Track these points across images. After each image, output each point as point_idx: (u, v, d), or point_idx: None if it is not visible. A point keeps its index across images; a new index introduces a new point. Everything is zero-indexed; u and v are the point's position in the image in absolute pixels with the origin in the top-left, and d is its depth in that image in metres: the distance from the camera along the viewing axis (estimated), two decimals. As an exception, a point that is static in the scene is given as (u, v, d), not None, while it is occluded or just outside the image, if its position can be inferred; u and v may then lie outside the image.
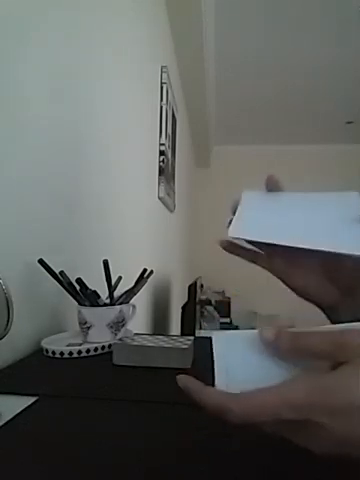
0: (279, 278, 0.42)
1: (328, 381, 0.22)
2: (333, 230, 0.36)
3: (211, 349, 0.27)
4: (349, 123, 3.87)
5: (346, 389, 0.21)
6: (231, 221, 0.40)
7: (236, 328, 3.47)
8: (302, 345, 0.24)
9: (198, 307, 2.68)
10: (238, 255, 0.43)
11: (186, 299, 2.40)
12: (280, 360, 0.25)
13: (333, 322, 0.41)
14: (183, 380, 0.25)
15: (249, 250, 0.43)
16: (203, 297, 3.70)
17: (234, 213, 0.40)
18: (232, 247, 0.43)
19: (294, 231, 0.36)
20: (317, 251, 0.36)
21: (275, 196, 0.41)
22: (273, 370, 0.25)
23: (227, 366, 0.25)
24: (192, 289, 2.36)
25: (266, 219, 0.38)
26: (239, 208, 0.40)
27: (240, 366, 0.25)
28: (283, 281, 0.42)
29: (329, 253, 0.37)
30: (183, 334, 2.27)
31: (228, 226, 0.40)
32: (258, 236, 0.37)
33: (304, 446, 0.23)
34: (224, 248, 0.43)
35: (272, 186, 0.42)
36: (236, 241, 0.40)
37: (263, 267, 0.43)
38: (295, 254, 0.40)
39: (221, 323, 3.62)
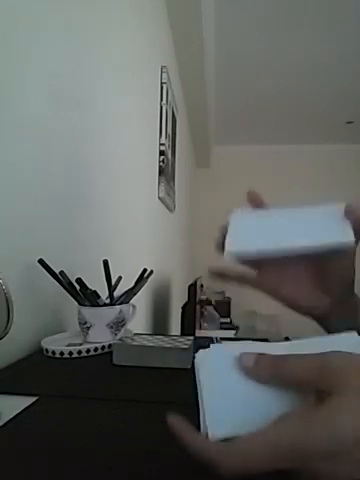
0: (269, 294, 0.43)
1: (315, 423, 0.20)
2: (319, 231, 0.37)
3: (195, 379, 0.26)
4: (349, 123, 3.87)
5: (333, 432, 0.20)
6: (221, 243, 0.41)
7: (236, 328, 3.47)
8: (282, 372, 0.23)
9: (198, 307, 2.68)
10: (227, 280, 0.44)
11: (186, 299, 2.40)
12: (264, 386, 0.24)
13: (328, 332, 0.41)
14: (172, 422, 0.24)
15: (236, 274, 0.44)
16: (203, 297, 3.70)
17: (223, 237, 0.41)
18: (221, 275, 0.44)
19: (283, 237, 0.38)
20: (305, 260, 0.39)
21: (261, 212, 0.42)
22: (260, 398, 0.24)
23: (212, 401, 0.24)
24: (192, 289, 2.36)
25: (256, 232, 0.40)
26: (229, 228, 0.41)
27: (225, 398, 0.24)
28: (274, 296, 0.43)
29: (317, 260, 0.39)
30: (183, 334, 2.27)
31: (218, 248, 0.41)
32: (253, 247, 0.39)
33: None
34: (214, 276, 0.44)
35: (254, 201, 0.43)
36: (226, 265, 0.41)
37: (252, 287, 0.44)
38: (284, 267, 0.41)
39: (221, 323, 3.61)
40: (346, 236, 0.35)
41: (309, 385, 0.23)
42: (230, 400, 0.24)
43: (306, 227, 0.38)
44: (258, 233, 0.39)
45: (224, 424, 0.23)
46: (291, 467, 0.21)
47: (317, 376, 0.22)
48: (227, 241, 0.40)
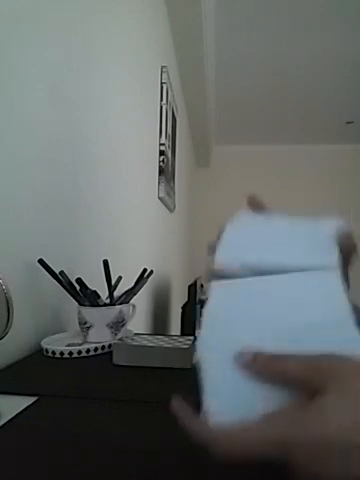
0: None
1: (305, 418, 0.22)
2: (303, 252, 0.33)
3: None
4: (349, 123, 3.87)
5: (322, 426, 0.21)
6: (214, 246, 0.38)
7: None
8: (278, 369, 0.25)
9: (198, 307, 2.68)
10: None
11: (186, 299, 2.40)
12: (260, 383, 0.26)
13: None
14: (176, 407, 0.26)
15: None
16: (203, 297, 3.70)
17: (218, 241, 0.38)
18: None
19: (271, 256, 0.34)
20: None
21: (261, 220, 0.38)
22: (257, 391, 0.25)
23: (213, 390, 0.26)
24: (192, 289, 2.36)
25: (246, 246, 0.36)
26: (222, 236, 0.38)
27: (226, 387, 0.26)
28: None
29: None
30: (183, 334, 2.27)
31: (211, 250, 0.38)
32: (237, 261, 0.35)
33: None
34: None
35: (254, 206, 0.40)
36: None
37: None
38: None
39: (221, 323, 3.62)
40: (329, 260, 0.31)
41: (303, 383, 0.24)
42: (230, 390, 0.26)
43: (291, 246, 0.34)
44: (248, 247, 0.36)
45: (223, 412, 0.25)
46: (278, 455, 0.23)
47: (310, 374, 0.24)
48: (217, 252, 0.37)
